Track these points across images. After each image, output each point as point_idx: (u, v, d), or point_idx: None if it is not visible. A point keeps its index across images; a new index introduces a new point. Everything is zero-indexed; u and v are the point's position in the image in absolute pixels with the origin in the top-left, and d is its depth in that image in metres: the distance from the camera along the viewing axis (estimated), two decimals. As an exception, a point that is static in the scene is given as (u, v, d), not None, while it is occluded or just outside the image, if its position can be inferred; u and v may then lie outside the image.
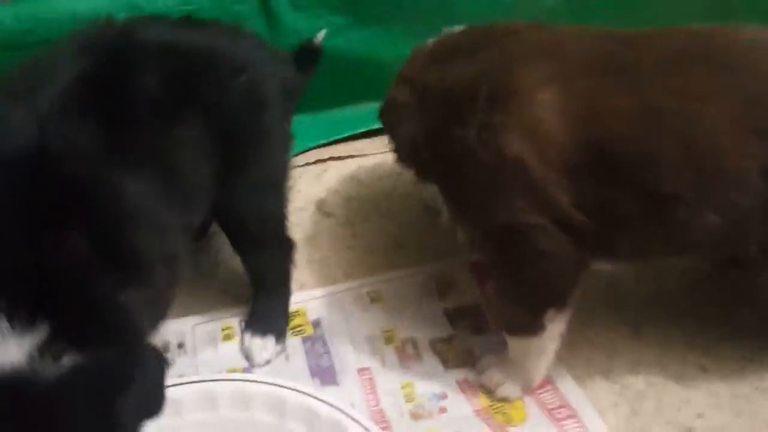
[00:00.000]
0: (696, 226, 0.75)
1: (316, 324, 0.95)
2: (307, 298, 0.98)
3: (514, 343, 0.85)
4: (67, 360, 0.56)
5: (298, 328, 0.94)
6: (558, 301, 0.80)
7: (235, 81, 0.80)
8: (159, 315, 0.72)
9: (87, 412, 0.57)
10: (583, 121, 0.72)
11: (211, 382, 0.82)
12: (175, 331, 0.92)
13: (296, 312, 0.96)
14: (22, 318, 0.55)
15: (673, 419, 0.85)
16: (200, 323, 0.94)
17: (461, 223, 0.83)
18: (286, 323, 0.93)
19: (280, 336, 0.91)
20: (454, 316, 0.95)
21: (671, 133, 0.72)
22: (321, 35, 1.03)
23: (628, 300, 0.95)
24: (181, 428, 0.79)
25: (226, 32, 0.88)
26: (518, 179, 0.73)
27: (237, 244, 0.91)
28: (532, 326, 0.81)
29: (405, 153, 0.90)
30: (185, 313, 0.93)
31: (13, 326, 0.55)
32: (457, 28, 0.91)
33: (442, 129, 0.78)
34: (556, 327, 0.81)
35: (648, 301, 0.96)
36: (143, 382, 0.61)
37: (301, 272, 0.97)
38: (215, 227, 1.00)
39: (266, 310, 0.93)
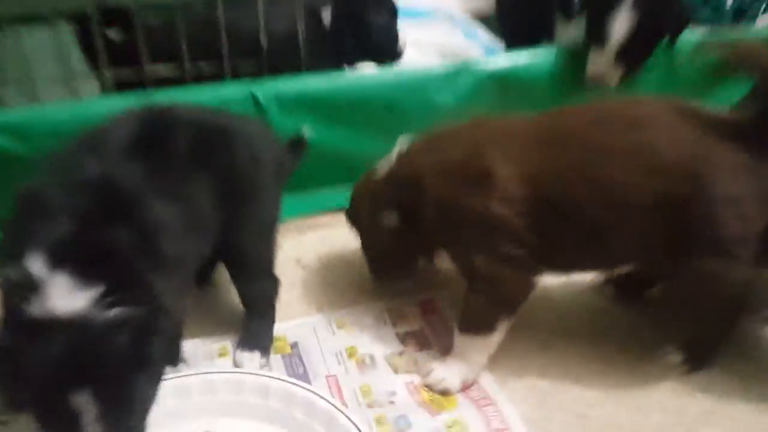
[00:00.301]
0: (613, 246, 1.05)
1: (294, 345, 1.19)
2: (287, 326, 1.21)
3: (468, 341, 1.10)
4: (114, 311, 0.80)
5: (279, 348, 1.19)
6: (511, 310, 1.08)
7: (241, 151, 1.09)
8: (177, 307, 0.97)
9: (126, 348, 0.81)
10: (531, 183, 1.03)
11: (211, 374, 1.06)
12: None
13: (278, 337, 1.20)
14: (85, 280, 0.80)
15: (571, 409, 1.09)
16: (201, 345, 1.18)
17: (461, 259, 1.12)
18: (271, 342, 1.17)
19: (265, 352, 1.15)
20: (403, 337, 1.20)
21: (590, 180, 1.02)
22: (305, 129, 1.34)
23: (539, 320, 1.21)
24: (189, 408, 1.02)
25: (239, 118, 1.20)
26: (499, 227, 1.04)
27: (234, 276, 1.16)
28: (487, 327, 1.08)
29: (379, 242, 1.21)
30: (191, 337, 1.17)
31: (79, 285, 0.80)
32: (410, 137, 1.20)
33: (449, 198, 1.07)
34: (501, 330, 1.08)
35: (555, 322, 1.23)
36: (165, 337, 0.85)
37: (282, 307, 1.21)
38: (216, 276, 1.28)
39: (254, 331, 1.17)
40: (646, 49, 1.50)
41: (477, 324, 1.10)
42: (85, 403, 0.77)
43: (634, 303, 1.27)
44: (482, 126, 1.13)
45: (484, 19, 2.23)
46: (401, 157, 1.17)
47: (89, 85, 1.49)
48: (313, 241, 1.43)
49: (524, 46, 1.62)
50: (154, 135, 1.01)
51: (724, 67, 1.06)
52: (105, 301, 0.81)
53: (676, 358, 1.15)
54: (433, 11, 2.26)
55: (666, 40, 1.53)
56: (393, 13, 1.71)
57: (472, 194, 1.05)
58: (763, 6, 2.02)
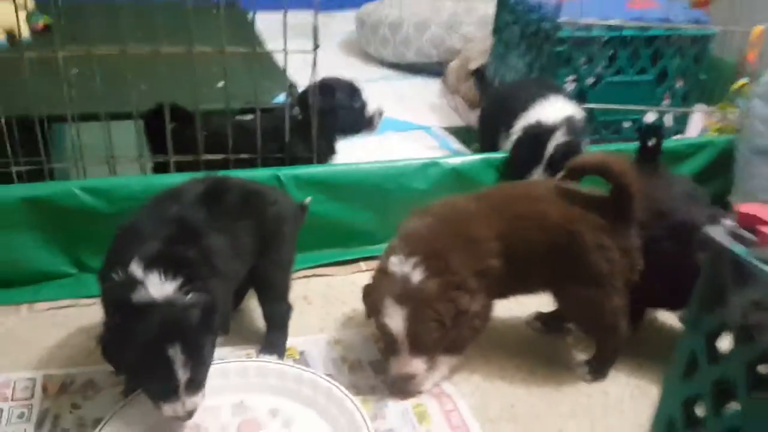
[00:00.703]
0: (532, 278, 1.52)
1: (302, 353, 1.59)
2: (297, 340, 1.62)
3: (447, 360, 1.50)
4: (189, 296, 1.23)
5: (291, 354, 1.59)
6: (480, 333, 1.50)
7: (271, 207, 1.54)
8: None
9: (200, 321, 1.23)
10: (501, 239, 1.47)
11: (244, 362, 1.46)
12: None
13: (290, 348, 1.60)
14: (169, 278, 1.23)
15: (504, 401, 1.49)
16: (234, 351, 1.58)
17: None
18: (285, 350, 1.57)
19: (280, 356, 1.55)
20: (384, 351, 1.61)
21: (519, 237, 1.46)
22: (307, 200, 1.79)
23: (485, 341, 1.61)
24: (227, 386, 1.40)
25: (270, 187, 1.66)
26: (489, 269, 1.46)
27: (261, 298, 1.58)
28: (464, 349, 1.51)
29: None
30: (227, 345, 1.57)
31: (165, 281, 1.23)
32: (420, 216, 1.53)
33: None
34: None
35: (497, 342, 1.65)
36: (220, 315, 1.28)
37: (293, 328, 1.62)
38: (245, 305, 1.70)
39: (273, 341, 1.57)
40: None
41: (461, 349, 1.52)
42: (177, 354, 1.19)
43: (554, 332, 1.71)
44: (467, 203, 1.54)
45: (457, 131, 2.77)
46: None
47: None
48: (316, 284, 1.87)
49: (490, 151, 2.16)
50: (214, 192, 1.47)
51: (587, 171, 1.53)
52: (182, 290, 1.24)
53: (583, 371, 1.57)
54: (416, 125, 2.81)
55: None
56: (352, 93, 2.09)
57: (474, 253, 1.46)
58: (677, 127, 2.57)
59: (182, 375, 1.20)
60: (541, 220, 1.47)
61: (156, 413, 1.28)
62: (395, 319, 1.39)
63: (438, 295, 1.39)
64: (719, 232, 1.12)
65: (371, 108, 2.09)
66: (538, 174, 2.02)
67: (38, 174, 1.85)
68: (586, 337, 1.60)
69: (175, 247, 1.30)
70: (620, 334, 1.52)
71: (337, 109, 2.04)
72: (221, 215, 1.44)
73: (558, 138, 2.00)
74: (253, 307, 1.69)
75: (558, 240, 1.46)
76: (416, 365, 1.42)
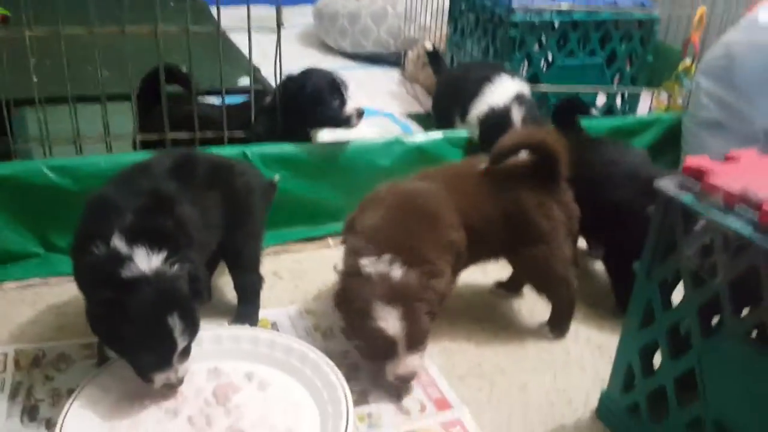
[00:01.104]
0: (491, 245, 1.57)
1: (273, 324, 1.63)
2: (268, 312, 1.65)
3: None
4: (175, 267, 1.25)
5: (263, 325, 1.61)
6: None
7: (240, 179, 1.57)
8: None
9: (186, 289, 1.25)
10: (459, 212, 1.51)
11: (217, 330, 1.48)
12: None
13: (261, 319, 1.63)
14: (156, 250, 1.25)
15: (471, 361, 1.55)
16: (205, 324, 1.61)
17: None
18: (257, 319, 1.61)
19: (252, 325, 1.58)
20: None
21: (478, 209, 1.53)
22: (276, 177, 1.83)
23: (452, 309, 1.65)
24: (200, 353, 1.43)
25: (238, 161, 1.69)
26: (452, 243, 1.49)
27: (232, 270, 1.61)
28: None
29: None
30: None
31: (154, 252, 1.24)
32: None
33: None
34: None
35: (463, 309, 1.71)
36: (204, 283, 1.31)
37: (264, 302, 1.65)
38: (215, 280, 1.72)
39: (245, 312, 1.60)
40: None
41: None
42: (176, 322, 1.21)
43: (513, 295, 1.79)
44: (403, 192, 1.54)
45: (418, 117, 2.83)
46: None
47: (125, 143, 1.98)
48: (285, 260, 1.91)
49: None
50: (183, 165, 1.49)
51: (511, 152, 1.59)
52: (168, 262, 1.26)
53: (545, 330, 1.65)
54: (380, 112, 2.86)
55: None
56: (334, 88, 2.00)
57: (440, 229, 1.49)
58: (627, 107, 2.68)
59: (180, 342, 1.23)
60: (489, 191, 1.56)
61: (131, 380, 1.30)
62: (390, 322, 1.34)
63: (423, 286, 1.38)
64: (668, 183, 1.19)
65: (351, 107, 2.02)
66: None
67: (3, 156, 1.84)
68: (545, 299, 1.66)
69: (153, 219, 1.32)
70: (572, 286, 1.62)
71: (315, 103, 1.99)
72: (191, 187, 1.46)
73: (516, 115, 2.08)
74: (223, 282, 1.71)
75: (506, 206, 1.55)
76: (415, 362, 1.40)
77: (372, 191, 1.57)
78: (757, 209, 1.04)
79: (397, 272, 1.37)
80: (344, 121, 2.00)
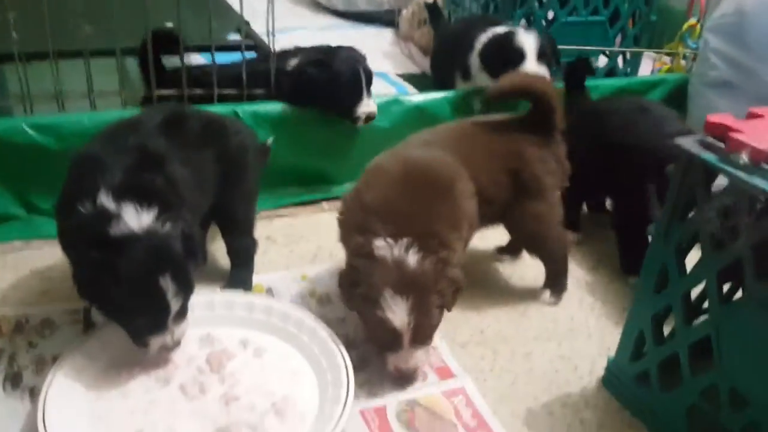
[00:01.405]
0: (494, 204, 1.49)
1: (268, 290, 1.57)
2: (262, 277, 1.59)
3: None
4: (166, 225, 1.18)
5: (257, 290, 1.55)
6: None
7: (233, 138, 1.49)
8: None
9: (179, 248, 1.18)
10: (473, 179, 1.42)
11: (210, 296, 1.41)
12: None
13: (256, 285, 1.57)
14: (144, 208, 1.17)
15: (473, 328, 1.50)
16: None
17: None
18: (251, 284, 1.54)
19: (246, 290, 1.51)
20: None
21: (487, 170, 1.46)
22: (269, 140, 1.76)
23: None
24: (193, 320, 1.37)
25: (232, 118, 1.61)
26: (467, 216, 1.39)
27: (225, 233, 1.54)
28: None
29: None
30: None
31: (143, 209, 1.17)
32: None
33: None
34: None
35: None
36: (196, 243, 1.24)
37: (258, 267, 1.59)
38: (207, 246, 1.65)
39: (238, 274, 1.54)
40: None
41: None
42: (168, 284, 1.14)
43: (516, 259, 1.74)
44: (413, 163, 1.40)
45: (412, 77, 2.75)
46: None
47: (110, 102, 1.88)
48: (279, 224, 1.84)
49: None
50: (173, 121, 1.41)
51: (512, 93, 1.58)
52: (159, 219, 1.18)
53: (545, 295, 1.60)
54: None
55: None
56: (356, 82, 1.90)
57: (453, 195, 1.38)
58: (629, 69, 2.60)
59: (174, 304, 1.17)
60: (495, 150, 1.50)
61: (120, 347, 1.25)
62: (398, 313, 1.22)
63: (438, 276, 1.25)
64: (689, 141, 1.13)
65: (363, 110, 1.91)
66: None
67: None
68: (539, 258, 1.62)
69: (142, 176, 1.24)
70: (565, 243, 1.59)
71: (331, 92, 1.88)
72: (182, 144, 1.38)
73: (524, 41, 2.02)
74: (215, 248, 1.64)
75: (511, 163, 1.49)
76: (419, 357, 1.29)
77: (374, 162, 1.44)
78: (786, 167, 0.98)
79: (413, 258, 1.23)
80: (351, 119, 1.92)
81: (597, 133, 1.71)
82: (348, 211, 1.38)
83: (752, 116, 1.15)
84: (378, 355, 1.34)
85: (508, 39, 2.03)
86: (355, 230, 1.32)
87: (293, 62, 1.93)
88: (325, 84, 1.87)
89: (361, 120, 1.91)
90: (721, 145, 1.08)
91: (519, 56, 1.99)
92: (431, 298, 1.24)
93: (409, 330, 1.24)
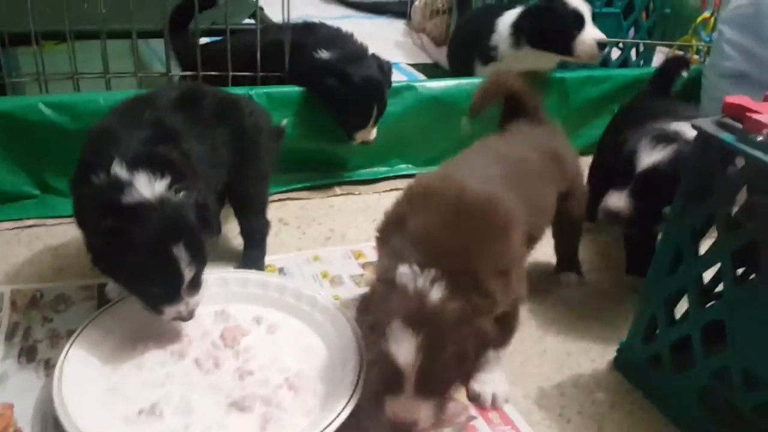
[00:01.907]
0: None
1: (281, 270, 1.57)
2: (275, 258, 1.59)
3: None
4: (180, 194, 1.18)
5: (270, 270, 1.56)
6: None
7: (248, 117, 1.50)
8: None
9: (193, 217, 1.18)
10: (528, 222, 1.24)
11: (224, 273, 1.42)
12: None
13: (268, 265, 1.58)
14: (157, 177, 1.17)
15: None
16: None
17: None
18: (264, 264, 1.55)
19: (259, 270, 1.53)
20: (363, 266, 1.60)
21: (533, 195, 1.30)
22: (284, 122, 1.77)
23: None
24: (208, 296, 1.37)
25: (246, 99, 1.61)
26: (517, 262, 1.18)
27: (238, 213, 1.54)
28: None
29: None
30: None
31: (154, 180, 1.17)
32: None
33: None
34: None
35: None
36: (210, 213, 1.24)
37: (270, 248, 1.59)
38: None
39: (252, 256, 1.54)
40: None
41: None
42: (181, 252, 1.15)
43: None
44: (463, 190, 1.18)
45: (424, 68, 2.75)
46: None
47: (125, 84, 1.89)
48: (291, 207, 1.85)
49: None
50: (189, 98, 1.41)
51: (487, 93, 1.51)
52: (173, 188, 1.18)
53: (571, 277, 1.62)
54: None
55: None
56: (376, 98, 1.87)
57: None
58: (641, 61, 2.60)
59: (187, 274, 1.17)
60: (546, 176, 1.39)
61: (134, 321, 1.25)
62: (404, 348, 1.03)
63: (464, 320, 1.04)
64: (706, 122, 1.13)
65: (366, 132, 1.90)
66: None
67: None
68: (567, 245, 1.62)
69: (156, 147, 1.24)
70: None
71: (347, 105, 1.87)
72: (198, 121, 1.38)
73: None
74: (228, 229, 1.65)
75: (561, 186, 1.44)
76: (422, 410, 1.06)
77: (423, 181, 1.25)
78: (805, 146, 0.98)
79: (436, 293, 1.04)
80: (347, 134, 1.92)
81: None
82: (385, 229, 1.21)
83: (770, 98, 1.15)
84: (376, 403, 1.14)
85: (561, 2, 2.01)
86: (386, 252, 1.16)
87: (325, 54, 1.90)
88: (339, 98, 1.86)
89: (356, 139, 1.91)
90: (739, 125, 1.08)
91: (578, 21, 1.98)
92: (448, 343, 1.03)
93: (414, 372, 1.04)
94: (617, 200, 1.45)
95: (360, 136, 1.90)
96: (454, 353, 1.04)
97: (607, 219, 1.46)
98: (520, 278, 1.18)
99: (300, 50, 1.92)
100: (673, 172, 1.34)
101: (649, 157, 1.42)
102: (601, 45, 2.00)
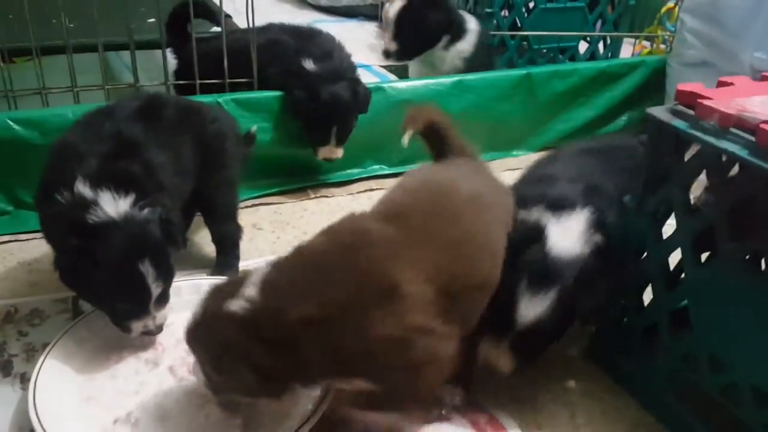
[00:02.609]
0: None
1: (255, 275, 1.59)
2: (249, 263, 1.59)
3: None
4: (144, 211, 1.19)
5: (244, 276, 1.57)
6: None
7: (211, 124, 1.50)
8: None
9: (158, 233, 1.20)
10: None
11: (198, 279, 1.43)
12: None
13: (242, 271, 1.58)
14: (121, 194, 1.19)
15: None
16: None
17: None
18: (238, 269, 1.56)
19: (233, 275, 1.54)
20: None
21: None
22: (254, 128, 1.78)
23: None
24: (180, 303, 1.38)
25: (210, 105, 1.61)
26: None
27: (208, 220, 1.55)
28: None
29: None
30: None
31: (120, 196, 1.18)
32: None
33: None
34: None
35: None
36: (175, 228, 1.25)
37: (244, 253, 1.60)
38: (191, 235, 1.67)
39: (225, 260, 1.55)
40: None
41: None
42: (148, 269, 1.16)
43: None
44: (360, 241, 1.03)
45: (396, 70, 2.77)
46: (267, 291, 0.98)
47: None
48: (265, 212, 1.86)
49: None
50: (149, 108, 1.41)
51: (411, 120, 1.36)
52: (137, 205, 1.20)
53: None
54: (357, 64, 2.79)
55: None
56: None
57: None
58: (609, 54, 2.63)
59: (154, 290, 1.18)
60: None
61: (107, 331, 1.26)
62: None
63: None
64: (660, 110, 1.15)
65: (325, 153, 1.92)
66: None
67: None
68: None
69: (117, 163, 1.25)
70: None
71: (306, 115, 1.89)
72: (159, 130, 1.38)
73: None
74: (200, 237, 1.66)
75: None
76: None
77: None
78: (754, 131, 1.00)
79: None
80: (313, 149, 1.94)
81: None
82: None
83: (722, 84, 1.18)
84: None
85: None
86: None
87: (309, 65, 1.90)
88: (302, 110, 1.88)
89: (320, 155, 1.93)
90: (691, 112, 1.11)
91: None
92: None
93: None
94: (495, 356, 1.16)
95: (322, 153, 1.91)
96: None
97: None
98: None
99: (291, 54, 1.93)
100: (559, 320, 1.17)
101: (529, 309, 1.14)
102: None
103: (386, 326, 0.95)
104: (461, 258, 1.05)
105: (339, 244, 1.04)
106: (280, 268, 1.00)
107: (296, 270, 1.00)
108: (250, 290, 0.97)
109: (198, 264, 1.60)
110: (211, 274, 1.54)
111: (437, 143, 1.36)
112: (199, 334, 1.01)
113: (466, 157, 1.34)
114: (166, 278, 1.21)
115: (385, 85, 2.04)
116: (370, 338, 0.94)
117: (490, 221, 1.15)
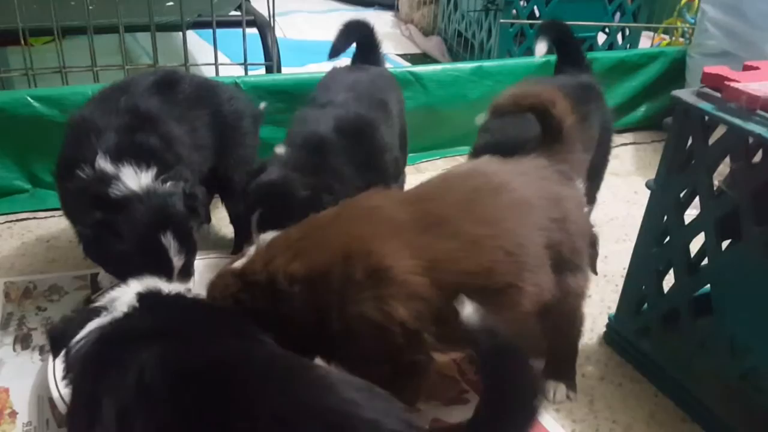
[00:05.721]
0: None
1: (272, 256, 1.59)
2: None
3: None
4: (168, 185, 1.20)
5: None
6: None
7: (228, 102, 1.49)
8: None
9: (181, 206, 1.20)
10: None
11: (221, 258, 1.44)
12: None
13: (259, 251, 1.59)
14: (142, 168, 1.20)
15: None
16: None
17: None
18: (255, 251, 1.56)
19: (251, 257, 1.54)
20: None
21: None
22: (262, 105, 1.77)
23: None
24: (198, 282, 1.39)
25: (226, 84, 1.60)
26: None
27: (226, 199, 1.56)
28: None
29: None
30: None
31: (140, 172, 1.19)
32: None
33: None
34: None
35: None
36: (198, 201, 1.25)
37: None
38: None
39: (242, 242, 1.56)
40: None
41: None
42: (170, 241, 1.16)
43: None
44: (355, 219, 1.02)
45: (413, 58, 2.77)
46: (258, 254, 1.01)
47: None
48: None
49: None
50: (165, 82, 1.41)
51: (515, 107, 1.22)
52: (159, 179, 1.20)
53: (560, 392, 1.24)
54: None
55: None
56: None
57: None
58: (628, 45, 2.61)
59: (177, 262, 1.18)
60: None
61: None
62: None
63: None
64: (686, 93, 1.14)
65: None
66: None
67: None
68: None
69: (136, 136, 1.26)
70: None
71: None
72: (175, 103, 1.38)
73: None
74: (218, 219, 1.66)
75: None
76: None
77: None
78: (782, 112, 0.99)
79: None
80: None
81: None
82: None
83: (748, 68, 1.17)
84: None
85: None
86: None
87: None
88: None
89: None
90: (718, 94, 1.10)
91: None
92: None
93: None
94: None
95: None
96: None
97: None
98: None
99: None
100: None
101: None
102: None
103: (367, 307, 0.93)
104: (472, 256, 0.99)
105: (344, 216, 1.03)
106: (286, 233, 1.03)
107: (297, 234, 1.02)
108: (252, 249, 1.03)
109: (217, 244, 1.60)
110: (231, 254, 1.53)
111: (545, 125, 1.22)
112: (208, 286, 1.05)
113: (557, 153, 1.20)
114: (189, 251, 1.20)
115: (414, 69, 2.04)
116: (348, 314, 0.93)
117: (525, 230, 1.05)
